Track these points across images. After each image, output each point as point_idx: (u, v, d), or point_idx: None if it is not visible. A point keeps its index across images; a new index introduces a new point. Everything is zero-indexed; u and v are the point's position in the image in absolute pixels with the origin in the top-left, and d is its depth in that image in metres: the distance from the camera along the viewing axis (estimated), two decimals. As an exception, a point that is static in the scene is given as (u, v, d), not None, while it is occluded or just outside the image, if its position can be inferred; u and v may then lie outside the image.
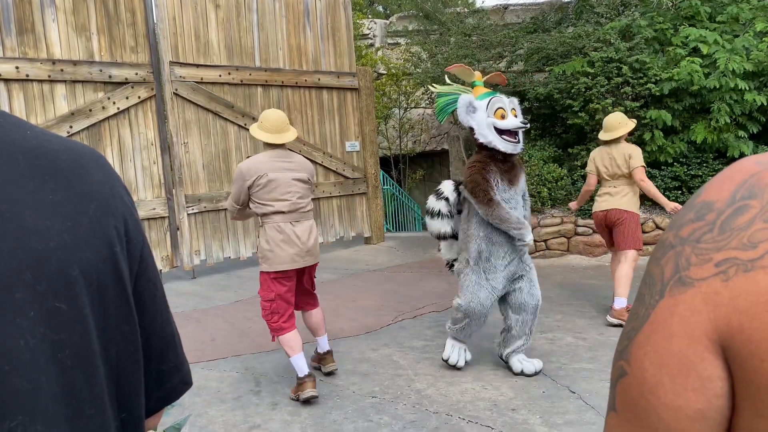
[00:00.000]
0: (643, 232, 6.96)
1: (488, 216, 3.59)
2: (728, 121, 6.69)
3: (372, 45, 13.68)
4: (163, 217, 6.80)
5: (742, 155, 6.72)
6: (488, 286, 3.67)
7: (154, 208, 6.70)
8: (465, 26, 9.49)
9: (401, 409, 3.36)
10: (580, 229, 7.20)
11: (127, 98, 6.53)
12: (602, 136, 4.92)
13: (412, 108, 12.96)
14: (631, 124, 4.85)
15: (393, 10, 17.53)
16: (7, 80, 5.83)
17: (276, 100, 7.73)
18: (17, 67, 5.85)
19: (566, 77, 7.57)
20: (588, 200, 5.88)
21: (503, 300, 3.80)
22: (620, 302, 4.63)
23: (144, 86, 6.65)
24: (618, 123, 4.83)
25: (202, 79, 7.05)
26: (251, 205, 3.54)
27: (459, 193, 3.84)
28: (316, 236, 3.66)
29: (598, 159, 4.95)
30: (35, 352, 0.58)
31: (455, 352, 3.87)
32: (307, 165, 3.70)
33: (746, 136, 6.88)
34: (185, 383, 0.82)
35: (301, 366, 3.50)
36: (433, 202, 3.88)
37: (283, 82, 7.75)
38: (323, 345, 3.85)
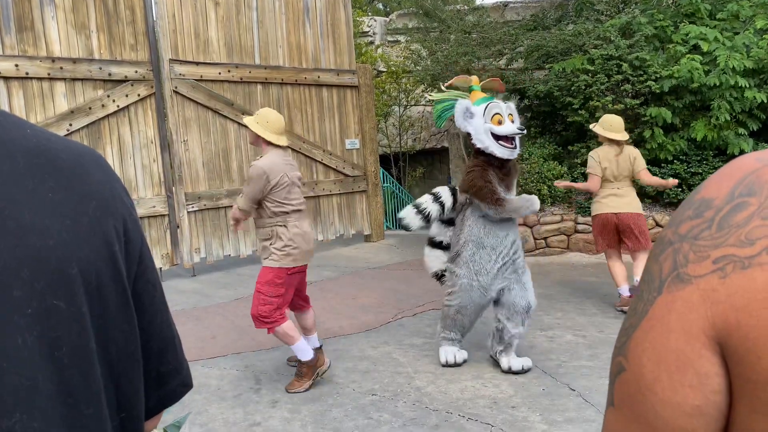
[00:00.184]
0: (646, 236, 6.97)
1: (501, 214, 3.65)
2: (728, 118, 6.69)
3: (372, 42, 13.66)
4: (163, 215, 6.80)
5: (742, 152, 6.71)
6: (480, 288, 3.72)
7: (154, 206, 6.70)
8: (465, 24, 9.47)
9: (401, 406, 3.36)
10: (580, 227, 7.20)
11: (126, 96, 6.52)
12: (612, 135, 4.86)
13: (411, 105, 12.95)
14: None
15: (393, 8, 17.51)
16: (6, 78, 5.82)
17: (276, 98, 7.73)
18: (17, 65, 5.84)
19: (566, 75, 7.56)
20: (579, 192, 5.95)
21: (496, 301, 3.83)
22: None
23: (144, 84, 6.65)
24: (623, 125, 4.93)
25: (201, 76, 7.05)
26: (268, 204, 3.59)
27: (455, 200, 3.87)
28: None
29: (603, 160, 4.87)
30: (32, 349, 0.58)
31: (450, 354, 3.92)
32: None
33: (746, 133, 6.87)
34: (185, 385, 0.82)
35: (306, 348, 3.63)
36: (428, 203, 3.87)
37: (282, 80, 7.74)
38: (315, 342, 3.92)
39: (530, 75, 8.39)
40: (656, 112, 6.92)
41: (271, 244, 3.59)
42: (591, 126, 5.25)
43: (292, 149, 7.73)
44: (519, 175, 5.03)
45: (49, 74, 6.03)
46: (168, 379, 0.79)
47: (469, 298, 3.75)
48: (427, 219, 3.86)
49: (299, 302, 3.87)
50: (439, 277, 4.06)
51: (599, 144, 5.15)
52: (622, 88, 7.18)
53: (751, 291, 0.48)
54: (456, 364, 3.89)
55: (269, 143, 3.64)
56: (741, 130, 6.82)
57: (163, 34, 6.77)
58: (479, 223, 3.74)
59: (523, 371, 3.73)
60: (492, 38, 8.80)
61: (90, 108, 6.28)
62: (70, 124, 6.14)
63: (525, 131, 3.73)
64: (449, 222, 3.97)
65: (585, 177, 7.45)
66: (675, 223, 0.55)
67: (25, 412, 0.57)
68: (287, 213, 3.61)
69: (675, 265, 0.53)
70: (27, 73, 5.91)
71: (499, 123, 3.62)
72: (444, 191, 3.91)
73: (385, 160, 12.99)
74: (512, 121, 3.68)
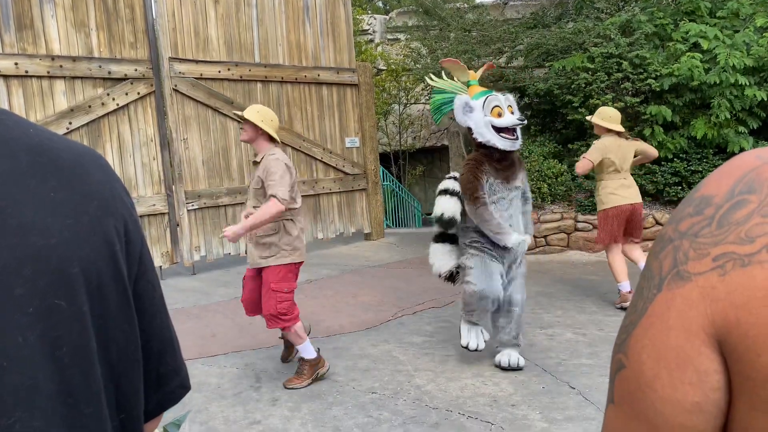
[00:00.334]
0: (644, 227, 6.97)
1: (472, 214, 3.64)
2: (728, 116, 6.69)
3: (372, 41, 13.66)
4: (163, 214, 6.79)
5: (742, 151, 6.70)
6: (495, 271, 3.68)
7: (153, 205, 6.70)
8: (465, 22, 9.47)
9: (401, 404, 3.36)
10: (580, 225, 7.20)
11: (126, 94, 6.52)
12: (613, 126, 4.88)
13: (411, 104, 12.95)
14: None
15: (393, 6, 17.49)
16: (6, 76, 5.82)
17: (275, 96, 7.72)
18: (16, 64, 5.84)
19: (566, 73, 7.56)
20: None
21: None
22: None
23: (143, 82, 6.64)
24: (620, 116, 5.01)
25: (201, 75, 7.04)
26: None
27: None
28: None
29: (613, 150, 4.85)
30: (33, 348, 0.58)
31: (472, 335, 3.83)
32: None
33: (746, 131, 6.87)
34: (184, 387, 0.82)
35: (311, 347, 3.70)
36: (451, 184, 3.77)
37: (282, 78, 7.74)
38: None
39: (530, 73, 8.39)
40: (656, 110, 6.92)
41: (279, 239, 3.59)
42: (588, 118, 5.25)
43: (292, 147, 7.73)
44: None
45: (48, 72, 6.02)
46: (167, 381, 0.79)
47: (490, 280, 3.64)
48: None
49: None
50: (450, 277, 3.94)
51: (597, 138, 5.14)
52: (622, 86, 7.17)
53: (750, 289, 0.48)
54: (478, 350, 3.83)
55: (269, 140, 3.64)
56: (741, 128, 6.82)
57: (163, 32, 6.76)
58: None
59: (510, 367, 3.72)
60: (492, 36, 8.80)
61: (90, 106, 6.27)
62: (70, 123, 6.13)
63: (525, 121, 3.72)
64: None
65: (585, 175, 7.48)
66: (675, 221, 0.55)
67: (25, 411, 0.57)
68: (295, 208, 3.66)
69: (675, 263, 0.53)
70: (27, 72, 5.90)
71: (499, 115, 3.61)
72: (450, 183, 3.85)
73: (385, 159, 12.98)
74: (512, 113, 3.67)
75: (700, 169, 6.97)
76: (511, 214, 3.74)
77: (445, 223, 3.73)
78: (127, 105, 6.54)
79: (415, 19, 11.44)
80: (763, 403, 0.47)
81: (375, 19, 14.00)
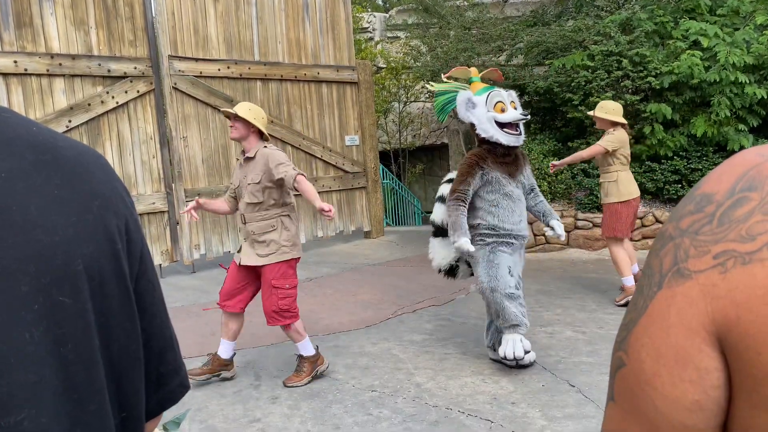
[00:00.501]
0: (643, 225, 6.98)
1: (448, 209, 3.65)
2: (728, 114, 6.68)
3: (371, 39, 13.65)
4: (163, 212, 6.79)
5: (742, 149, 6.71)
6: (504, 263, 3.64)
7: (153, 203, 6.69)
8: (465, 19, 9.45)
9: (401, 402, 3.36)
10: (580, 223, 7.20)
11: (126, 92, 6.51)
12: (619, 118, 4.92)
13: (411, 102, 12.94)
14: None
15: (392, 4, 17.47)
16: (5, 74, 5.81)
17: (275, 94, 7.72)
18: (15, 62, 5.83)
19: (566, 71, 7.55)
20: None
21: None
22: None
23: (143, 80, 6.64)
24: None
25: (201, 73, 7.04)
26: (282, 193, 3.62)
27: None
28: None
29: (624, 143, 4.93)
30: (39, 345, 0.59)
31: (509, 345, 3.57)
32: None
33: (746, 129, 6.87)
34: (183, 386, 0.82)
35: (310, 345, 3.72)
36: (447, 190, 3.83)
37: (282, 76, 7.73)
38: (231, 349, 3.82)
39: (530, 71, 8.37)
40: (656, 108, 6.91)
41: (279, 236, 3.58)
42: (590, 113, 5.24)
43: (292, 145, 7.73)
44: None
45: (48, 71, 6.02)
46: (167, 380, 0.79)
47: (503, 273, 3.61)
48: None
49: (245, 304, 3.76)
50: (450, 271, 3.93)
51: (598, 136, 5.15)
52: (622, 84, 7.16)
53: (751, 287, 0.47)
54: (524, 362, 3.60)
55: (260, 137, 3.63)
56: (741, 126, 6.81)
57: (162, 30, 6.75)
58: (491, 212, 3.66)
59: (499, 360, 3.71)
60: (492, 34, 8.79)
61: (89, 104, 6.27)
62: (69, 121, 6.13)
63: (528, 116, 3.70)
64: None
65: (584, 172, 7.48)
66: (676, 218, 0.55)
67: (33, 408, 0.57)
68: (291, 203, 3.69)
69: (675, 260, 0.52)
70: (26, 70, 5.90)
71: (502, 111, 3.60)
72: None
73: (384, 157, 12.98)
74: (515, 108, 3.66)
75: (700, 167, 6.96)
76: (520, 208, 3.73)
77: (439, 228, 3.87)
78: (126, 103, 6.54)
79: (415, 17, 11.42)
80: (763, 401, 0.47)
81: (375, 17, 13.99)
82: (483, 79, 3.89)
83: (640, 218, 6.88)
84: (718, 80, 6.60)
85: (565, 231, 7.21)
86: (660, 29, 7.48)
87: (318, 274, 6.62)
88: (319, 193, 8.57)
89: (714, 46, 6.74)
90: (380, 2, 18.88)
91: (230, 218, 7.27)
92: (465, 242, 3.54)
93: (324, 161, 8.16)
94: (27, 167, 0.62)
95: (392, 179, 12.42)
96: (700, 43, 6.84)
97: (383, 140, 13.04)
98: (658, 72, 6.98)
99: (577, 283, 5.83)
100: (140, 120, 6.66)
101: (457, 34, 9.07)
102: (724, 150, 7.02)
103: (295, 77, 7.86)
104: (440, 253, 3.94)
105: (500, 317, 3.63)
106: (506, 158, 3.67)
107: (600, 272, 6.15)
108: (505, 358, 3.62)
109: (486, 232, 3.68)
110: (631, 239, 5.22)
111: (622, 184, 4.95)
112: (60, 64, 6.08)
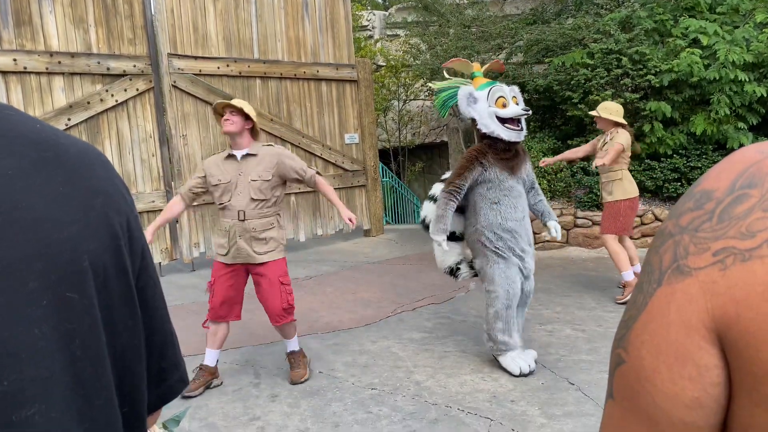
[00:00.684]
0: (643, 223, 6.98)
1: (439, 201, 3.65)
2: (728, 112, 6.68)
3: (371, 37, 13.64)
4: (162, 210, 6.78)
5: (741, 147, 6.71)
6: (513, 266, 3.63)
7: (153, 201, 6.69)
8: (464, 18, 9.45)
9: (400, 400, 3.37)
10: (579, 222, 7.20)
11: (125, 90, 6.51)
12: (621, 119, 5.00)
13: (411, 100, 12.93)
14: None
15: (392, 2, 17.45)
16: (4, 73, 5.80)
17: (275, 92, 7.71)
18: (15, 60, 5.82)
19: (566, 69, 7.55)
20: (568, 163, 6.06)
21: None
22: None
23: (142, 78, 6.63)
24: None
25: (200, 71, 7.03)
26: (283, 190, 3.66)
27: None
28: None
29: (629, 143, 5.01)
30: (49, 340, 0.59)
31: (522, 361, 3.60)
32: None
33: (746, 127, 6.87)
34: (183, 381, 0.83)
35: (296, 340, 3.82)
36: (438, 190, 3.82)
37: (281, 74, 7.73)
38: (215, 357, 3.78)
39: (530, 69, 8.37)
40: (656, 107, 6.91)
41: (277, 233, 3.60)
42: (592, 113, 5.24)
43: (291, 144, 7.72)
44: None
45: (47, 69, 6.01)
46: (168, 375, 0.81)
47: (511, 278, 3.59)
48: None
49: (239, 308, 3.73)
50: (453, 272, 3.91)
51: (598, 135, 5.17)
52: (621, 82, 7.16)
53: (751, 284, 0.47)
54: (531, 372, 3.59)
55: (251, 136, 3.63)
56: (740, 124, 6.81)
57: (162, 28, 6.74)
58: (493, 210, 3.62)
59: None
60: (491, 32, 8.78)
61: (88, 102, 6.26)
62: (69, 119, 6.12)
63: (530, 111, 3.68)
64: (460, 210, 3.80)
65: (584, 170, 7.48)
66: (675, 215, 0.55)
67: (44, 403, 0.58)
68: (283, 201, 3.77)
69: (675, 257, 0.52)
70: (25, 68, 5.89)
71: (504, 106, 3.58)
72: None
73: (384, 155, 12.98)
74: (516, 104, 3.65)
75: (700, 165, 6.96)
76: (522, 204, 3.70)
77: (426, 226, 3.86)
78: (125, 101, 6.53)
79: (415, 15, 11.42)
80: (763, 398, 0.47)
81: (374, 15, 13.98)
82: (485, 75, 3.88)
83: (639, 216, 6.88)
84: (717, 78, 6.60)
85: (565, 229, 7.24)
86: (660, 27, 7.47)
87: (318, 272, 6.62)
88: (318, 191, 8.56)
89: (714, 44, 6.73)
90: (380, 0, 18.87)
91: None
92: (442, 240, 3.58)
93: (324, 159, 8.16)
94: (32, 165, 0.63)
95: (392, 177, 12.42)
96: (700, 41, 6.84)
97: (383, 138, 13.04)
98: (658, 70, 6.98)
99: (576, 281, 5.83)
100: (140, 118, 6.66)
101: (456, 32, 9.07)
102: (723, 148, 7.02)
103: (295, 75, 7.85)
104: (445, 253, 3.88)
105: (491, 338, 3.69)
106: (507, 154, 3.65)
107: (599, 270, 6.15)
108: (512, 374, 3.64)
109: (489, 236, 3.63)
110: (631, 237, 5.22)
111: (626, 183, 5.07)
112: (59, 63, 6.07)
